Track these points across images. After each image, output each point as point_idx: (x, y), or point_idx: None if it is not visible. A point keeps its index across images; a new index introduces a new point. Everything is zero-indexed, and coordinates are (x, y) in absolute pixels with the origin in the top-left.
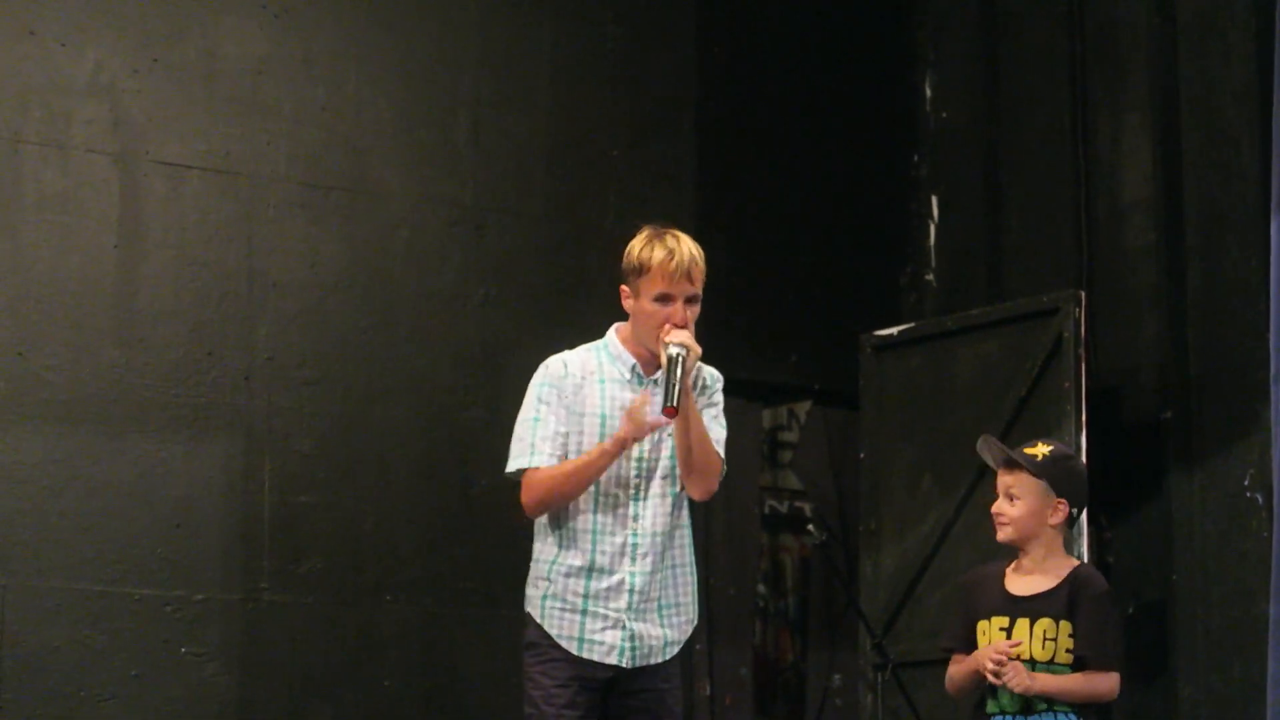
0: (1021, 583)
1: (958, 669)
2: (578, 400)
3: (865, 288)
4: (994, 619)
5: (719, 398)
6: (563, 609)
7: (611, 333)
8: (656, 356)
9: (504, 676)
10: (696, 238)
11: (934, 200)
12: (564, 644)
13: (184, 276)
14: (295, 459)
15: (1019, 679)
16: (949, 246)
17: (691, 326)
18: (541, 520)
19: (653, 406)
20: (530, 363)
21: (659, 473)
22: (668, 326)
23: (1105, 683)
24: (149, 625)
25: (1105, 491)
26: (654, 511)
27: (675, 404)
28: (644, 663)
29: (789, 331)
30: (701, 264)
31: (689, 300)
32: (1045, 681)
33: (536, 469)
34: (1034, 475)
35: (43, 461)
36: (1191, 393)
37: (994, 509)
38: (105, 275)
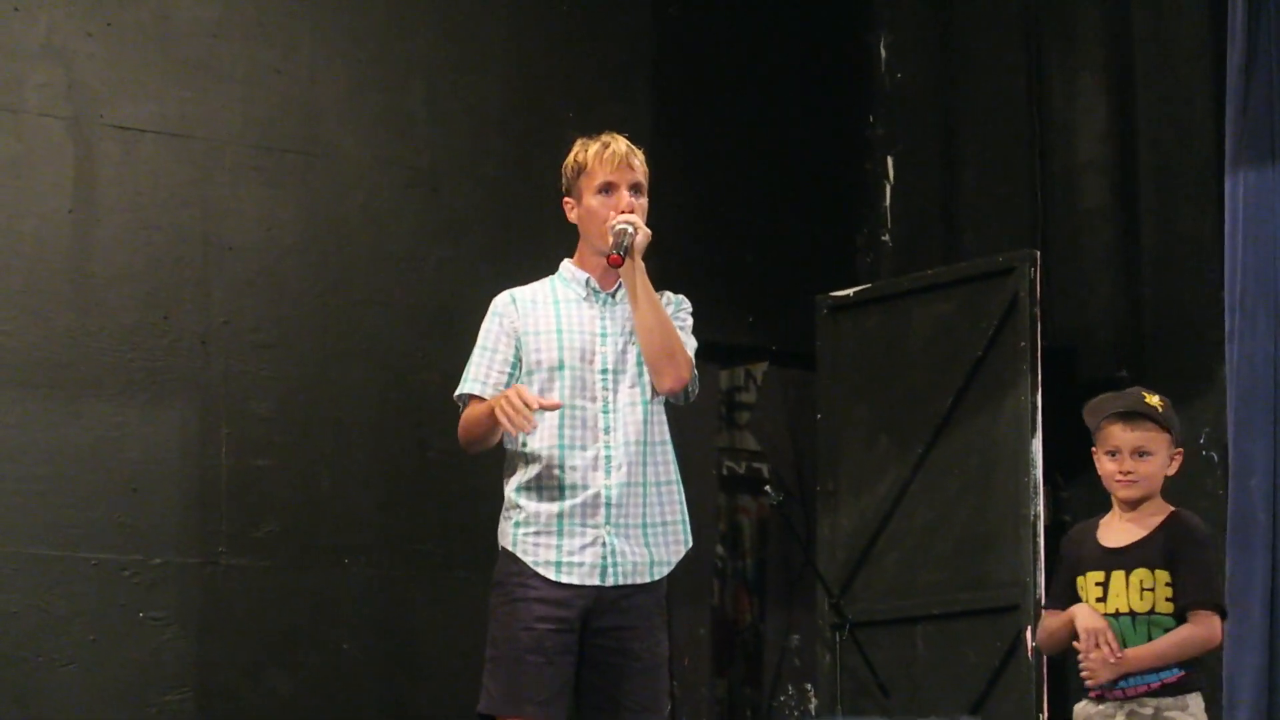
0: (1115, 534)
1: (1053, 620)
2: (531, 322)
3: (821, 249)
4: (1089, 574)
5: (686, 318)
6: (537, 533)
7: (564, 263)
8: (611, 262)
9: (463, 638)
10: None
11: (889, 161)
12: (541, 570)
13: (139, 240)
14: (252, 422)
15: (1103, 673)
16: (904, 207)
17: (642, 215)
18: (509, 446)
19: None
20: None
21: (626, 381)
22: (613, 214)
23: (1204, 632)
24: (106, 590)
25: (1061, 450)
26: (625, 421)
27: (621, 254)
28: (627, 581)
29: (745, 293)
30: (641, 156)
31: (633, 189)
32: (1137, 656)
33: (468, 403)
34: (1163, 429)
35: None
36: (1146, 352)
37: (1122, 468)
38: (60, 240)
